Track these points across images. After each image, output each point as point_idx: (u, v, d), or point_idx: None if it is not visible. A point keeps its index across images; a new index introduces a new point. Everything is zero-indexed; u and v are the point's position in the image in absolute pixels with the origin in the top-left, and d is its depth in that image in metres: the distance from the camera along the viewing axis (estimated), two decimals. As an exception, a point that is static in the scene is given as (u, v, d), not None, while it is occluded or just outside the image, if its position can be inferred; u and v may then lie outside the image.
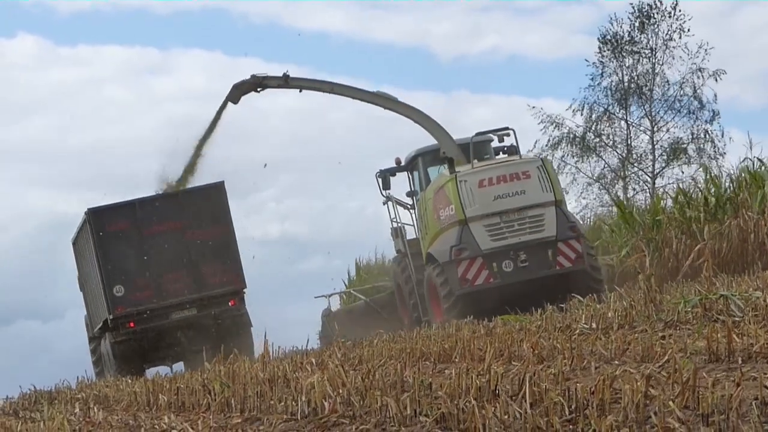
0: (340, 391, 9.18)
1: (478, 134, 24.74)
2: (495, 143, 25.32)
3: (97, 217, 25.05)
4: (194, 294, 25.01)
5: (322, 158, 61.45)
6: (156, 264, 25.00)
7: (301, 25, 74.59)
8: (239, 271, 25.34)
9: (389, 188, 26.55)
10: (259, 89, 27.31)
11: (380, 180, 26.41)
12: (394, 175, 26.58)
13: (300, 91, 27.37)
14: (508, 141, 25.13)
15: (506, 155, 24.86)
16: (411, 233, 26.40)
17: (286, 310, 30.18)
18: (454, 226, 23.45)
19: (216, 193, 25.50)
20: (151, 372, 23.56)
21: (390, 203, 26.70)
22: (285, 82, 27.01)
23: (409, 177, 26.68)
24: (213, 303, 25.06)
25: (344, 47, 74.63)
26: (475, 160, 24.18)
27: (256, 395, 10.10)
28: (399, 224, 26.49)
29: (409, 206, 26.75)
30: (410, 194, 26.59)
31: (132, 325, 24.77)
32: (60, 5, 76.55)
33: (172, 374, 18.79)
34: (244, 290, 25.50)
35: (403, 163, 26.43)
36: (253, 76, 27.19)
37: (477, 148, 24.77)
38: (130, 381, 16.03)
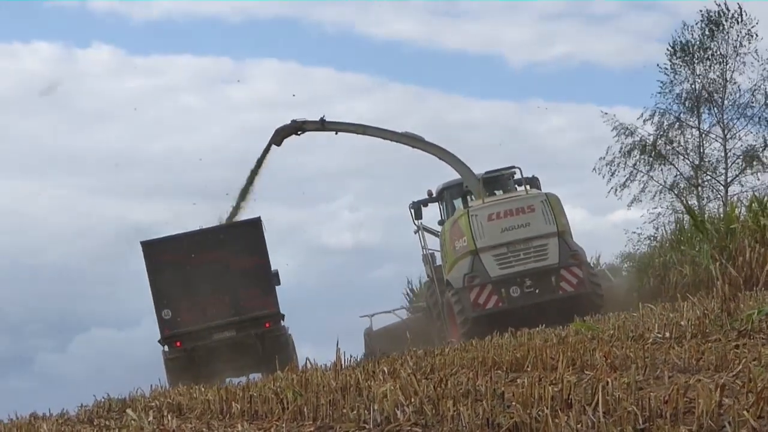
0: (413, 400, 9.20)
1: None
2: (518, 175, 27.50)
3: (149, 248, 27.63)
4: (233, 317, 27.36)
5: (395, 165, 61.65)
6: (199, 291, 27.39)
7: (373, 33, 74.83)
8: (273, 296, 27.62)
9: (421, 218, 29.04)
10: (299, 132, 30.04)
11: (413, 210, 28.89)
12: (426, 205, 29.11)
13: (336, 133, 29.90)
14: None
15: (527, 186, 26.86)
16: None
17: (359, 317, 31.24)
18: (467, 255, 25.78)
19: (253, 227, 27.90)
20: (223, 381, 24.13)
21: (420, 232, 28.98)
22: (322, 125, 29.67)
23: (440, 207, 29.01)
24: (250, 325, 27.33)
25: (416, 55, 74.78)
26: (500, 192, 27.12)
27: (328, 404, 10.14)
28: (429, 252, 28.90)
29: (439, 234, 28.64)
30: (441, 223, 28.73)
31: (179, 344, 27.37)
32: (134, 14, 77.31)
33: (244, 382, 18.94)
34: (282, 314, 27.66)
35: (434, 195, 28.81)
36: (293, 121, 29.92)
37: (499, 181, 27.73)
38: (203, 389, 16.15)
